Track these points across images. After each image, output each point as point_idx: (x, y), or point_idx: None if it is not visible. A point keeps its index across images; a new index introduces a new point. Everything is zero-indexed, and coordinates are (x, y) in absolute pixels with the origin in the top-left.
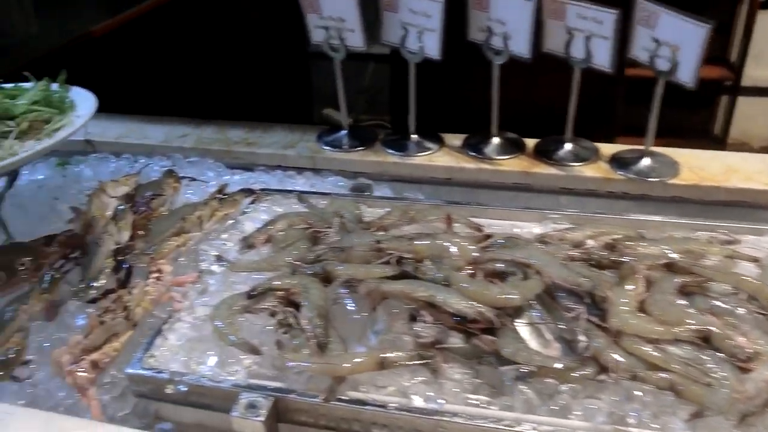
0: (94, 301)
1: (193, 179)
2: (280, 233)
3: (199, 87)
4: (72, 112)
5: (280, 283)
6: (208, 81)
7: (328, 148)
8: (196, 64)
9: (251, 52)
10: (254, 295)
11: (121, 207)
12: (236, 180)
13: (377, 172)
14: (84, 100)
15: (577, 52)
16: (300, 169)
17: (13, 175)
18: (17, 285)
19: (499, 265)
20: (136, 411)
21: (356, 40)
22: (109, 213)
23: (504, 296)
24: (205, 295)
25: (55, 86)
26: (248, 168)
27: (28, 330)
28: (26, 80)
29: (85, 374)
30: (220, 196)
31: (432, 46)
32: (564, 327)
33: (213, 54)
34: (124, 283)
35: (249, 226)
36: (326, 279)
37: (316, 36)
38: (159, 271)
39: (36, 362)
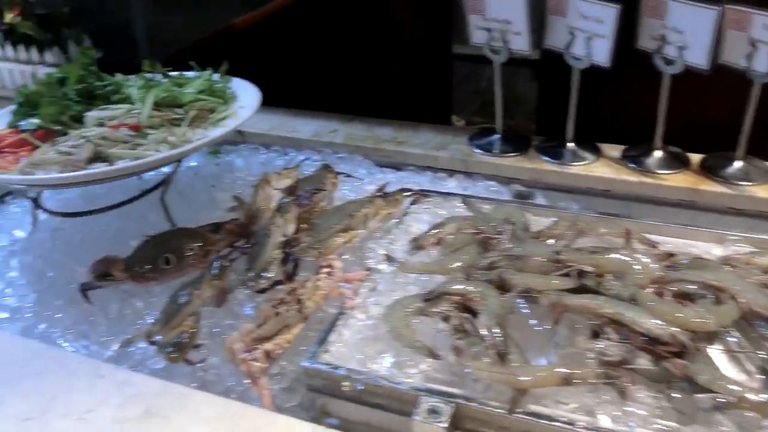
0: (263, 291)
1: (348, 175)
2: (450, 236)
3: (341, 83)
4: (234, 102)
5: (457, 287)
6: (350, 77)
7: (479, 151)
8: (338, 59)
9: (393, 50)
10: (430, 299)
11: (285, 200)
12: (388, 178)
13: (531, 179)
14: (244, 92)
15: (760, 65)
16: (450, 171)
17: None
18: (186, 269)
19: (687, 287)
20: (303, 404)
21: (521, 44)
22: (273, 205)
23: (699, 320)
24: (375, 293)
25: (216, 76)
26: (397, 167)
27: (200, 315)
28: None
29: (258, 363)
30: (381, 194)
31: (601, 53)
32: (766, 357)
33: (353, 50)
34: (291, 276)
35: (414, 226)
36: (501, 287)
37: (477, 37)
38: (330, 266)
39: (207, 347)
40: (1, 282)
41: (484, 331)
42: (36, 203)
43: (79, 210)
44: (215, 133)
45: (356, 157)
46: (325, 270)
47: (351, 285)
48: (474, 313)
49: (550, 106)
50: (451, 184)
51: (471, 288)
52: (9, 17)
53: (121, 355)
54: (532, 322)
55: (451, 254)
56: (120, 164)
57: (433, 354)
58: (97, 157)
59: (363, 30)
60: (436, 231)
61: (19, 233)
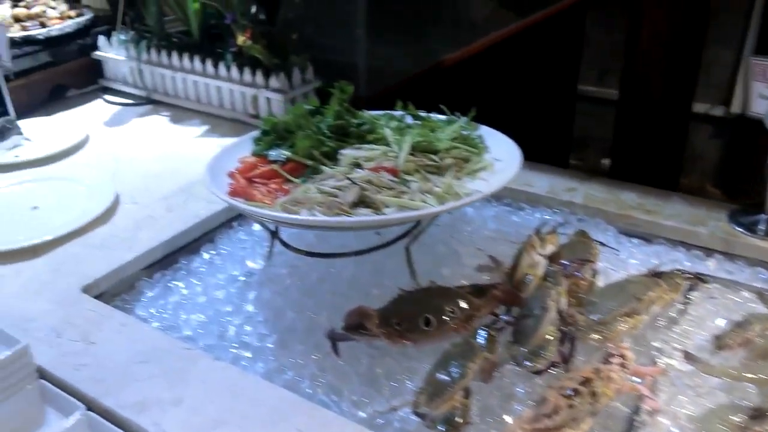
0: (539, 372)
1: (603, 245)
2: (759, 339)
3: (566, 135)
4: (486, 153)
5: None
6: (572, 128)
7: (743, 231)
8: (558, 107)
9: (632, 105)
10: (757, 416)
11: (552, 268)
12: (638, 252)
13: None
14: (493, 141)
15: None
16: (708, 250)
17: None
18: (446, 334)
19: None
20: None
21: None
22: (540, 272)
23: None
24: (674, 395)
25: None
26: (646, 238)
27: (471, 390)
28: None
29: None
30: (657, 274)
31: None
32: None
33: (574, 98)
34: (567, 358)
35: (702, 318)
36: None
37: (758, 107)
38: (623, 356)
39: (476, 426)
40: (239, 316)
41: None
42: (277, 237)
43: (319, 250)
44: (485, 187)
45: (599, 221)
46: (617, 360)
47: (644, 380)
48: None
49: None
50: (711, 266)
51: None
52: (241, 40)
53: (374, 417)
54: None
55: (760, 360)
56: (390, 213)
57: None
58: (360, 201)
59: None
60: (740, 330)
61: (252, 264)
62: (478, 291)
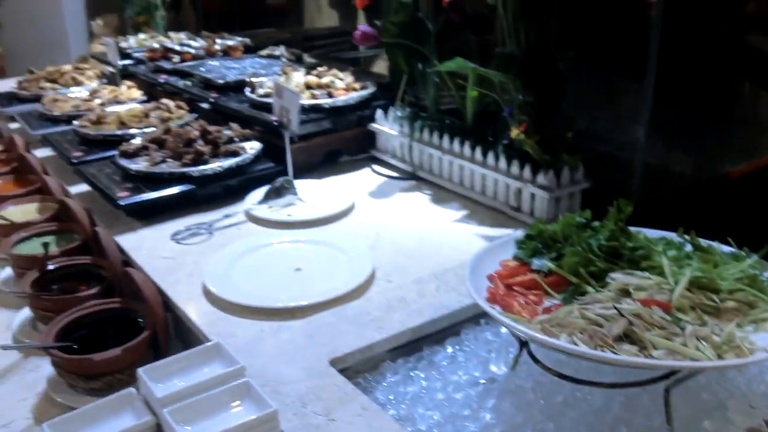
0: None
1: None
2: None
3: None
4: None
5: None
6: None
7: None
8: None
9: None
10: None
11: None
12: None
13: None
14: None
15: None
16: None
17: None
18: None
19: None
20: None
21: None
22: None
23: None
24: None
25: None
26: None
27: None
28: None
29: None
30: None
31: None
32: None
33: None
34: None
35: None
36: None
37: None
38: None
39: None
40: (475, 422)
41: None
42: (527, 347)
43: (569, 370)
44: None
45: None
46: None
47: None
48: None
49: None
50: None
51: None
52: (515, 133)
53: None
54: None
55: None
56: (659, 356)
57: None
58: (625, 335)
59: None
60: None
61: (495, 369)
62: None
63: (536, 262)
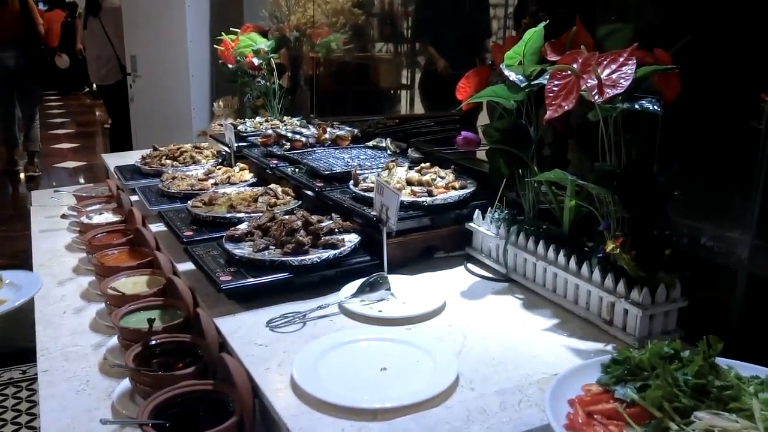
0: None
1: None
2: None
3: None
4: None
5: None
6: None
7: None
8: None
9: None
10: None
11: None
12: None
13: None
14: None
15: None
16: None
17: None
18: None
19: None
20: None
21: None
22: None
23: None
24: None
25: None
26: None
27: None
28: None
29: None
30: None
31: None
32: None
33: None
34: None
35: None
36: None
37: None
38: None
39: None
40: None
41: None
42: None
43: None
44: None
45: None
46: None
47: None
48: None
49: None
50: None
51: None
52: (610, 247)
53: None
54: None
55: None
56: None
57: None
58: None
59: None
60: None
61: None
62: None
63: (619, 391)
